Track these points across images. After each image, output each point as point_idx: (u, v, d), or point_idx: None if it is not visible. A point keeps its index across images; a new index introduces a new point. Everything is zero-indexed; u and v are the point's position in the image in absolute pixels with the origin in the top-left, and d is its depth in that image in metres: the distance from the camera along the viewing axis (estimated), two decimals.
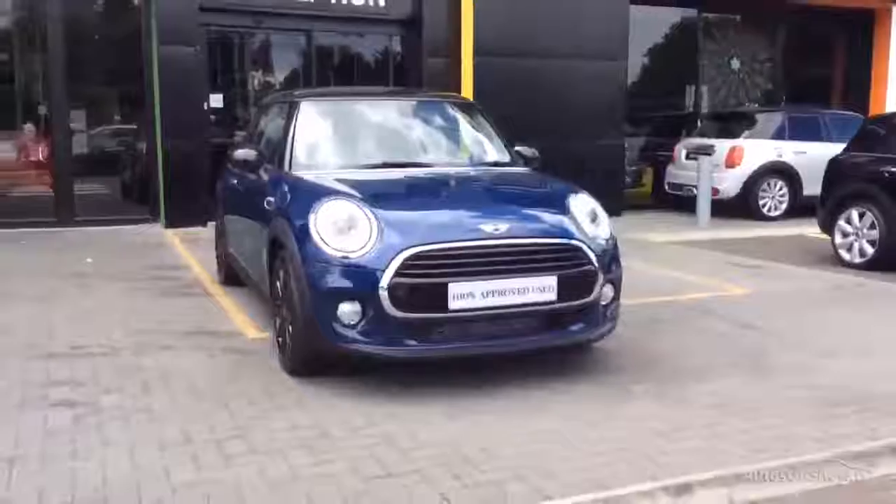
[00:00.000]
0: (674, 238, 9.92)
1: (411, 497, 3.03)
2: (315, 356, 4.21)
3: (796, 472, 3.30)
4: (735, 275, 7.42)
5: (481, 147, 5.48)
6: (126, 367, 4.54)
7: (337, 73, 11.28)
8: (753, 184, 11.55)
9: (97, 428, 3.66)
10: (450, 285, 3.94)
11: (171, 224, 9.95)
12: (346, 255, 4.00)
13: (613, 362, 4.70)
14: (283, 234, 4.35)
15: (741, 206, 11.63)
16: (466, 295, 3.97)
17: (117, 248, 8.66)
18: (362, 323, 3.98)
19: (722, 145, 11.74)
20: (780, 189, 11.64)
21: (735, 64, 14.45)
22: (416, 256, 3.94)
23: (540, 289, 4.10)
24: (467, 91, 11.04)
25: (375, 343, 4.00)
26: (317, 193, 4.34)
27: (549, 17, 11.33)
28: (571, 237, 4.25)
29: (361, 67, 11.59)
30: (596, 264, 4.26)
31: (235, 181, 5.95)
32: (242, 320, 5.60)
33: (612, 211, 11.48)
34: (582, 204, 4.54)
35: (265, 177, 5.05)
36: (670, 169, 12.59)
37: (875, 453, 3.46)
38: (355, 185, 4.49)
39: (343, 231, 4.06)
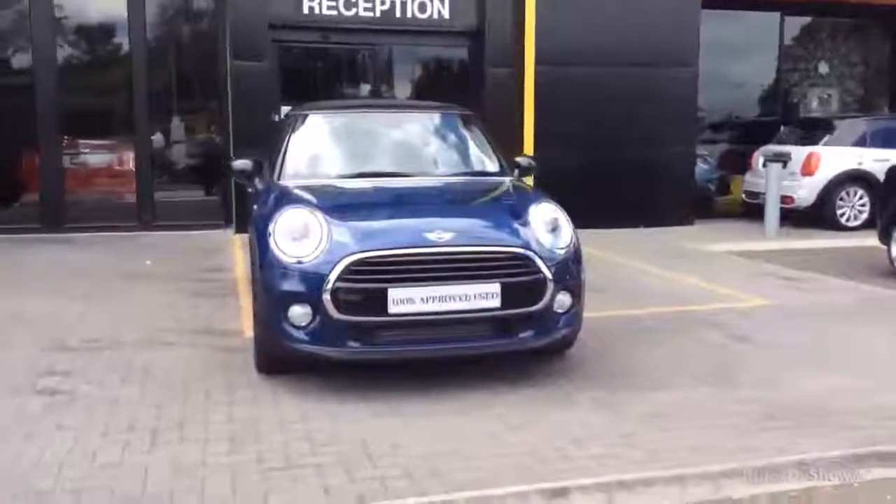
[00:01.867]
0: (732, 248, 9.66)
1: (294, 488, 3.22)
2: (273, 355, 4.47)
3: (683, 482, 3.29)
4: (767, 286, 7.21)
5: (468, 157, 5.61)
6: (119, 362, 4.92)
7: (401, 84, 11.59)
8: (831, 192, 11.08)
9: (60, 414, 4.02)
10: (389, 290, 4.11)
11: (239, 229, 10.50)
12: (299, 260, 4.23)
13: (577, 370, 4.73)
14: (253, 240, 4.64)
15: (819, 216, 11.18)
16: (406, 300, 4.13)
17: (180, 252, 9.23)
18: (311, 325, 4.20)
19: (799, 152, 11.32)
20: (860, 198, 11.12)
21: (823, 68, 13.85)
22: (359, 262, 4.13)
23: (482, 295, 4.20)
24: (529, 101, 11.12)
25: (321, 344, 4.21)
26: (282, 202, 4.61)
27: (615, 24, 11.24)
28: (517, 245, 4.34)
29: (426, 79, 11.86)
30: (546, 272, 4.32)
31: (252, 191, 6.31)
32: (249, 320, 5.93)
33: (682, 219, 11.49)
34: (542, 213, 4.61)
35: (259, 186, 5.37)
36: (747, 177, 12.23)
37: (776, 469, 3.39)
38: (323, 194, 4.74)
39: (298, 238, 4.29)
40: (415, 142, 5.60)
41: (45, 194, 10.55)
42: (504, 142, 10.91)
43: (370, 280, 4.13)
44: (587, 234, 10.22)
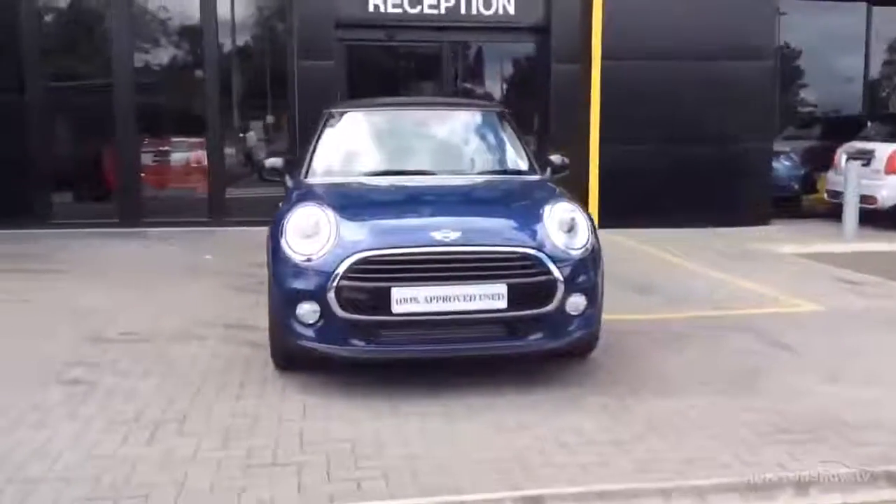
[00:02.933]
0: (802, 250, 9.25)
1: (270, 485, 3.25)
2: (284, 352, 4.53)
3: (668, 495, 3.16)
4: (826, 290, 6.88)
5: (496, 155, 5.55)
6: (147, 354, 5.08)
7: (467, 81, 11.56)
8: None
9: (76, 404, 4.17)
10: (393, 289, 4.10)
11: None
12: (308, 257, 4.26)
13: (592, 374, 4.62)
14: (269, 236, 4.70)
15: None
16: (410, 299, 4.11)
17: (242, 247, 9.41)
18: (318, 323, 4.23)
19: (882, 150, 10.75)
20: None
21: None
22: (363, 261, 4.14)
23: (488, 296, 4.15)
24: (595, 96, 10.94)
25: (326, 342, 4.23)
26: (298, 200, 4.66)
27: (686, 17, 10.93)
28: (526, 246, 4.26)
29: (491, 75, 11.80)
30: (556, 273, 4.23)
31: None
32: None
33: (758, 219, 11.07)
34: (558, 213, 4.51)
35: (289, 184, 5.44)
36: (830, 175, 11.70)
37: (772, 485, 3.22)
38: (339, 192, 4.77)
39: (309, 236, 4.32)
40: (442, 140, 5.58)
41: (123, 190, 10.99)
42: (569, 138, 10.85)
43: (374, 279, 4.13)
44: (653, 234, 10.18)
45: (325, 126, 5.53)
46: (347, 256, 4.15)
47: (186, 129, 11.42)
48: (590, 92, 10.99)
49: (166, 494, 3.17)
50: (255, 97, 11.81)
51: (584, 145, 11.05)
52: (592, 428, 3.82)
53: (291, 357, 4.53)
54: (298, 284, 4.26)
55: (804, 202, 12.71)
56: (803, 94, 14.79)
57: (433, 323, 4.18)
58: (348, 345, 4.21)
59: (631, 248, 9.47)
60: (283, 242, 4.36)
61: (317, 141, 5.45)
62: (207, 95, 10.90)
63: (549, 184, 5.25)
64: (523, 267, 4.22)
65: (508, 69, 11.82)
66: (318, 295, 4.18)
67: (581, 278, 4.40)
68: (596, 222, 10.55)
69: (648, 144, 10.87)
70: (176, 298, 6.68)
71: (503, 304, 4.16)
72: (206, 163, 11.18)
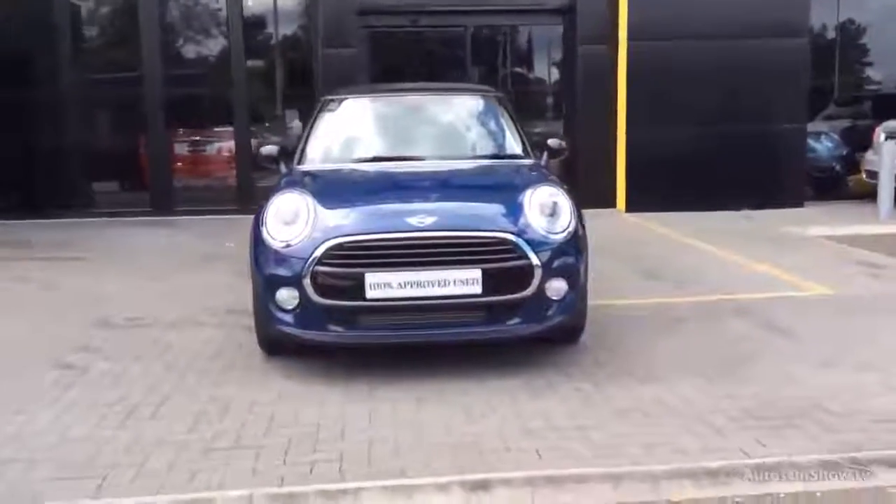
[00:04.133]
0: (831, 232, 8.97)
1: (225, 468, 3.29)
2: (267, 337, 4.58)
3: (619, 480, 3.11)
4: (843, 274, 6.68)
5: (489, 140, 5.51)
6: (146, 340, 5.18)
7: (493, 65, 11.48)
8: None
9: (65, 389, 4.28)
10: (366, 275, 4.11)
11: None
12: (287, 244, 4.29)
13: (576, 359, 4.57)
14: (252, 224, 4.74)
15: None
16: (383, 285, 4.11)
17: None
18: (296, 308, 4.27)
19: None
20: None
21: None
22: (337, 247, 4.15)
23: (462, 281, 4.13)
24: (622, 78, 10.77)
25: (305, 328, 4.27)
26: (282, 187, 4.70)
27: None
28: (501, 230, 4.22)
29: (517, 59, 11.70)
30: (533, 258, 4.18)
31: None
32: None
33: (792, 201, 10.77)
34: (539, 196, 4.45)
35: (282, 171, 5.48)
36: (868, 154, 11.32)
37: (731, 471, 3.15)
38: (324, 179, 4.81)
39: (288, 222, 4.35)
40: (435, 125, 5.55)
41: (155, 180, 11.22)
42: (596, 121, 10.72)
43: (348, 265, 4.15)
44: (681, 218, 10.00)
45: (319, 113, 5.57)
46: (323, 242, 4.16)
47: (215, 119, 11.58)
48: (617, 74, 10.82)
49: (123, 475, 3.24)
50: (286, 88, 11.91)
51: (611, 128, 10.91)
52: (561, 413, 3.78)
53: (274, 343, 4.58)
54: (277, 270, 4.29)
55: (849, 183, 12.32)
56: (869, 72, 14.24)
57: (408, 308, 4.17)
58: (326, 330, 4.24)
59: (653, 231, 9.33)
60: (263, 229, 4.41)
61: (311, 128, 5.48)
62: (234, 86, 11.03)
63: (539, 168, 5.18)
64: (499, 252, 4.18)
65: (534, 52, 11.70)
66: (295, 281, 4.20)
67: (562, 263, 4.35)
68: (623, 205, 10.65)
69: (678, 126, 10.67)
70: (188, 285, 6.80)
71: (478, 289, 4.13)
72: (233, 152, 11.34)
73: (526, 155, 5.39)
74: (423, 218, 4.20)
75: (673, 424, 3.63)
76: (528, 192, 4.46)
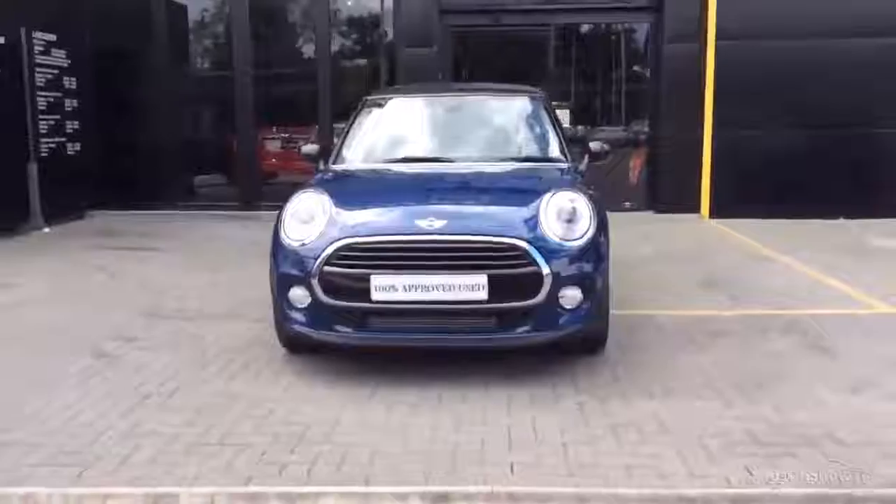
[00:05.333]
0: None
1: (203, 462, 3.35)
2: (284, 337, 4.64)
3: (583, 501, 2.99)
4: None
5: (523, 142, 5.41)
6: (184, 332, 5.34)
7: (576, 64, 11.27)
8: None
9: (91, 375, 4.48)
10: (372, 277, 4.10)
11: None
12: (302, 243, 4.33)
13: (591, 372, 4.42)
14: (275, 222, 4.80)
15: None
16: (389, 287, 4.09)
17: None
18: (307, 308, 4.31)
19: None
20: None
21: None
22: (346, 247, 4.16)
23: (468, 287, 4.06)
24: (709, 77, 10.37)
25: (314, 327, 4.30)
26: (305, 186, 4.75)
27: None
28: (510, 236, 4.12)
29: (601, 58, 11.44)
30: (543, 265, 4.08)
31: None
32: None
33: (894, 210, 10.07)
34: (558, 201, 4.33)
35: (319, 169, 5.55)
36: None
37: (707, 500, 2.97)
38: (347, 179, 4.84)
39: (305, 221, 4.39)
40: (471, 127, 5.49)
41: (244, 175, 11.58)
42: (682, 123, 10.37)
43: (355, 266, 4.15)
44: (768, 225, 9.54)
45: (359, 113, 5.61)
46: (332, 243, 4.19)
47: (301, 117, 11.84)
48: (705, 73, 10.43)
49: (106, 465, 3.35)
50: (367, 85, 12.05)
51: (697, 130, 10.53)
52: (553, 428, 3.66)
53: (292, 342, 4.64)
54: (290, 269, 4.34)
55: None
56: None
57: (414, 312, 4.15)
58: (333, 331, 4.26)
59: (731, 239, 8.96)
60: (280, 227, 4.47)
61: (349, 127, 5.53)
62: (320, 84, 11.25)
63: (572, 172, 5.05)
64: (507, 258, 4.09)
65: (618, 51, 11.40)
66: (305, 280, 4.24)
67: (577, 271, 4.22)
68: (707, 211, 10.25)
69: (768, 129, 10.19)
70: (243, 278, 6.96)
71: (484, 294, 4.06)
72: None
73: (563, 158, 5.26)
74: (432, 221, 4.17)
75: (665, 445, 3.46)
76: (546, 197, 4.35)
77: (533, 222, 4.23)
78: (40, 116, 9.84)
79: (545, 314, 4.17)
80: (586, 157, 5.43)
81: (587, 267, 4.28)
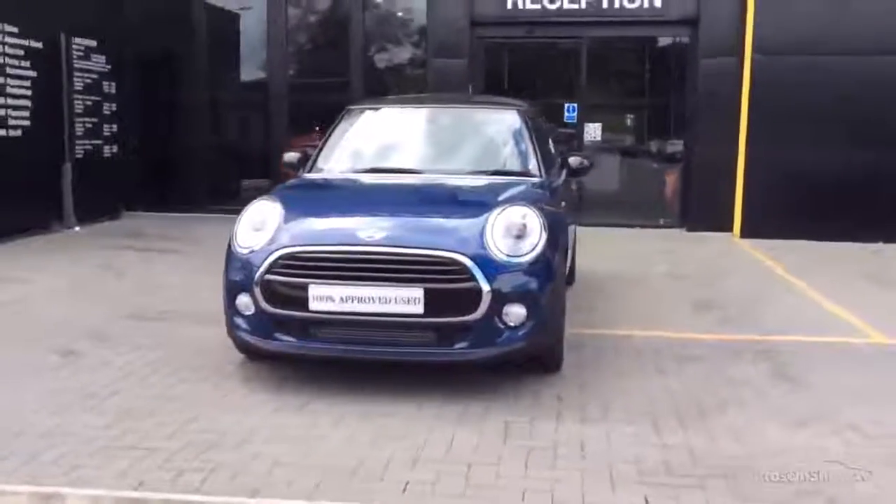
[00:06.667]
0: None
1: (103, 466, 3.35)
2: (234, 343, 4.65)
3: None
4: None
5: (495, 155, 5.33)
6: (161, 333, 5.40)
7: (609, 78, 11.09)
8: None
9: (45, 373, 4.57)
10: (310, 287, 4.09)
11: None
12: (251, 250, 4.35)
13: (533, 393, 4.27)
14: None
15: None
16: (325, 298, 4.07)
17: None
18: (252, 316, 4.32)
19: None
20: None
21: None
22: (286, 256, 4.16)
23: (404, 300, 4.01)
24: (745, 93, 10.07)
25: (256, 335, 4.31)
26: (266, 194, 4.77)
27: (856, 7, 9.73)
28: (448, 250, 4.05)
29: (635, 71, 11.23)
30: (482, 280, 4.00)
31: None
32: None
33: None
34: (508, 216, 4.25)
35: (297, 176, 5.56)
36: None
37: None
38: (305, 189, 4.85)
39: (256, 229, 4.42)
40: (444, 139, 5.44)
41: (279, 181, 11.72)
42: (716, 139, 10.08)
43: (294, 275, 4.15)
44: (798, 246, 9.18)
45: (338, 123, 5.61)
46: (274, 251, 4.19)
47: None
48: (741, 89, 10.13)
49: (11, 463, 3.39)
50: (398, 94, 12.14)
51: (731, 146, 10.23)
52: (468, 447, 3.57)
53: (241, 348, 4.64)
54: (237, 276, 4.37)
55: None
56: None
57: (350, 323, 4.11)
58: (276, 339, 4.25)
59: (752, 260, 8.66)
60: (233, 234, 4.50)
61: (327, 137, 5.54)
62: (352, 93, 11.34)
63: (539, 186, 4.95)
64: (444, 272, 4.02)
65: (652, 64, 11.19)
66: (249, 288, 4.26)
67: (521, 287, 4.13)
68: (738, 230, 9.91)
69: (805, 147, 9.82)
70: None
71: (420, 308, 4.00)
72: None
73: (537, 172, 5.15)
74: (373, 233, 4.14)
75: (573, 471, 3.33)
76: (495, 212, 4.27)
77: (478, 237, 4.15)
78: (77, 119, 10.17)
79: (485, 331, 4.08)
80: (563, 171, 5.31)
81: (533, 284, 4.17)
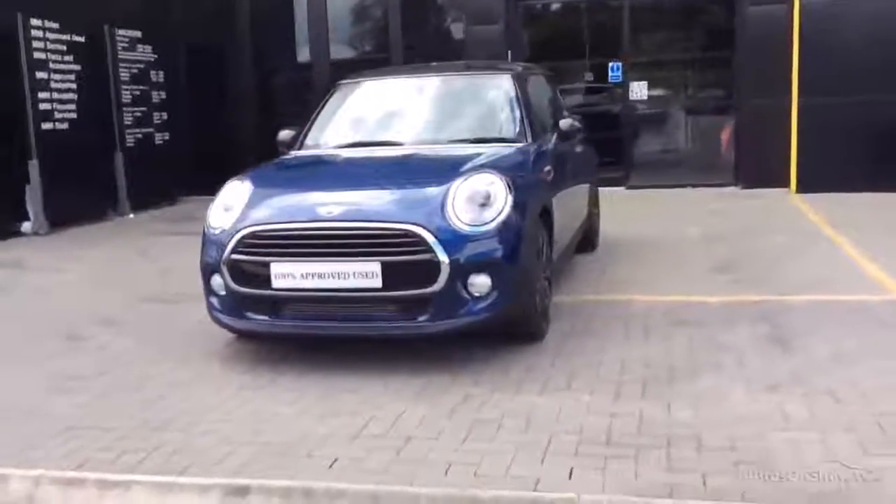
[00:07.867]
0: None
1: (58, 448, 3.44)
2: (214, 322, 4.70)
3: (376, 499, 2.87)
4: None
5: (480, 123, 5.20)
6: (167, 315, 5.55)
7: (653, 34, 10.69)
8: None
9: (47, 356, 4.74)
10: (272, 265, 4.11)
11: None
12: (222, 230, 4.38)
13: (513, 364, 4.18)
14: None
15: None
16: (287, 275, 4.08)
17: None
18: (223, 295, 4.36)
19: None
20: None
21: None
22: (251, 235, 4.19)
23: (361, 274, 3.98)
24: (796, 41, 9.52)
25: (227, 314, 4.36)
26: (242, 174, 4.80)
27: None
28: (404, 221, 3.99)
29: (679, 27, 10.76)
30: (440, 251, 3.93)
31: None
32: None
33: None
34: (471, 185, 4.15)
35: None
36: None
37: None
38: (287, 166, 4.86)
39: (227, 209, 4.46)
40: (429, 108, 5.33)
41: None
42: (767, 90, 9.61)
43: (257, 253, 4.17)
44: (856, 200, 8.65)
45: (328, 98, 5.58)
46: (239, 231, 4.22)
47: None
48: (791, 36, 9.60)
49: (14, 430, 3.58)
50: None
51: (784, 98, 9.72)
52: (414, 420, 3.53)
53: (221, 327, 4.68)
54: (209, 257, 4.41)
55: None
56: None
57: (312, 300, 4.12)
58: (243, 318, 4.30)
59: (799, 217, 8.27)
60: (208, 213, 4.55)
61: (316, 113, 5.52)
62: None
63: (522, 152, 4.80)
64: (401, 244, 3.97)
65: (697, 17, 10.71)
66: (218, 267, 4.30)
67: (486, 256, 4.04)
68: (794, 185, 9.43)
69: (861, 95, 9.25)
70: None
71: (377, 282, 3.97)
72: None
73: (521, 138, 5.00)
74: (332, 208, 4.12)
75: (509, 443, 3.25)
76: (459, 181, 4.17)
77: (437, 207, 4.07)
78: (125, 109, 10.48)
79: (447, 302, 4.01)
80: (554, 135, 5.15)
81: (499, 253, 4.08)
